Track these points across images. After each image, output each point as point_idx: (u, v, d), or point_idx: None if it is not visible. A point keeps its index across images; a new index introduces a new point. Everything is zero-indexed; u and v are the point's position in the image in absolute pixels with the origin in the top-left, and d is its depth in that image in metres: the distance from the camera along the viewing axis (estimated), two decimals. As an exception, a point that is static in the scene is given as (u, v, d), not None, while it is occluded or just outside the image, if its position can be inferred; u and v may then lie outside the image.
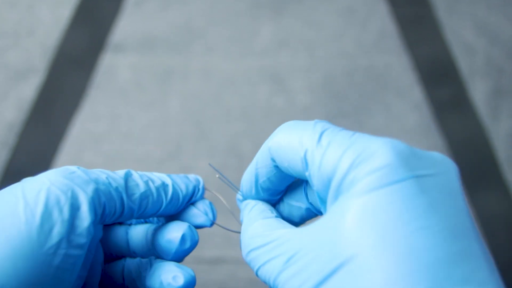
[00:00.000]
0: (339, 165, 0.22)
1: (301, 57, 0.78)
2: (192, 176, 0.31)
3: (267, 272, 0.23)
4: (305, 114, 0.73)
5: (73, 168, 0.25)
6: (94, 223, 0.25)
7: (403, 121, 0.72)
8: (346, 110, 0.73)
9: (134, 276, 0.30)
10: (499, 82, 0.75)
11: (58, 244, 0.23)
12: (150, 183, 0.28)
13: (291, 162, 0.25)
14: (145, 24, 0.78)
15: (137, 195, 0.27)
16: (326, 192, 0.23)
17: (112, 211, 0.26)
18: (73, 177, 0.25)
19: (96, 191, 0.25)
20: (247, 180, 0.29)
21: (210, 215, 0.31)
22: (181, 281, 0.27)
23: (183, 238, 0.29)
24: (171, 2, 0.80)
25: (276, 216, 0.27)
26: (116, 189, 0.26)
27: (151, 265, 0.29)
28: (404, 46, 0.78)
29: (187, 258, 0.70)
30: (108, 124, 0.71)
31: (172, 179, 0.29)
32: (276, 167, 0.27)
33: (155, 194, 0.28)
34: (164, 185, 0.29)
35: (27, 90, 0.74)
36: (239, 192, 0.31)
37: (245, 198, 0.31)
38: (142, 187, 0.27)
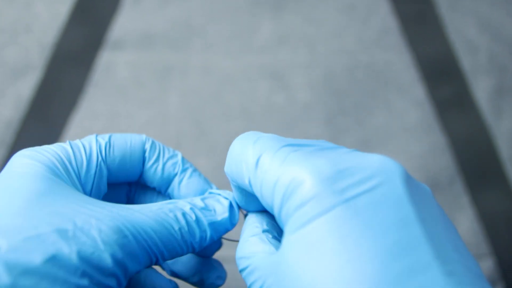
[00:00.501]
0: (273, 200, 0.22)
1: (302, 54, 0.77)
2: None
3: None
4: (306, 111, 0.72)
5: (125, 228, 0.23)
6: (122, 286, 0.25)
7: (404, 119, 0.72)
8: (347, 107, 0.72)
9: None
10: (502, 80, 0.75)
11: None
12: (188, 242, 0.27)
13: (246, 186, 0.25)
14: (144, 21, 0.78)
15: (172, 255, 0.27)
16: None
17: (143, 267, 0.26)
18: (126, 250, 0.23)
19: (138, 266, 0.24)
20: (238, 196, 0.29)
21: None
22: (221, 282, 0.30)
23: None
24: None
25: (264, 231, 0.27)
26: (155, 254, 0.25)
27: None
28: (406, 43, 0.77)
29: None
30: (107, 122, 0.71)
31: (211, 229, 0.28)
32: (239, 187, 0.27)
33: (187, 251, 0.27)
34: (201, 240, 0.28)
35: (25, 87, 0.73)
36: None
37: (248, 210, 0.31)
38: (181, 249, 0.27)
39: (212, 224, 0.28)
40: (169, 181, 0.30)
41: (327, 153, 0.21)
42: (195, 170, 0.31)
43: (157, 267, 0.33)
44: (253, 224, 0.28)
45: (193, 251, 0.28)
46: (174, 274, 0.33)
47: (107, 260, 0.22)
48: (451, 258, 0.19)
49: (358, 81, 0.74)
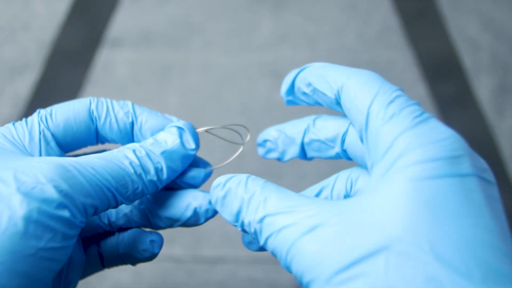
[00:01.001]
0: (397, 140, 0.21)
1: (302, 52, 0.77)
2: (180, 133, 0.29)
3: (283, 238, 0.22)
4: (306, 110, 0.72)
5: (68, 164, 0.24)
6: (83, 226, 0.24)
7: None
8: (348, 107, 0.72)
9: (127, 212, 0.29)
10: (504, 79, 0.74)
11: (41, 250, 0.22)
12: (143, 176, 0.26)
13: (353, 109, 0.24)
14: (143, 19, 0.77)
15: (130, 192, 0.26)
16: (376, 158, 0.22)
17: (104, 209, 0.25)
18: (71, 182, 0.23)
19: (89, 197, 0.24)
20: (307, 76, 0.28)
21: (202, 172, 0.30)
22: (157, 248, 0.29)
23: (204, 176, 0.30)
24: None
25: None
26: (109, 189, 0.25)
27: (161, 196, 0.29)
28: (407, 41, 0.77)
29: (185, 257, 0.69)
30: (105, 120, 0.70)
31: (165, 159, 0.27)
32: (336, 98, 0.26)
33: (148, 186, 0.27)
34: (158, 172, 0.27)
35: (23, 86, 0.73)
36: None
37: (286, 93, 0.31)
38: (135, 183, 0.26)
39: (164, 153, 0.27)
40: (127, 133, 0.29)
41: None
42: (150, 111, 0.30)
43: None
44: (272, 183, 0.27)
45: (156, 189, 0.27)
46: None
47: (50, 191, 0.22)
48: None
49: None
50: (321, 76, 0.27)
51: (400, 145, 0.21)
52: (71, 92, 0.72)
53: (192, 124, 0.30)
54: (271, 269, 0.68)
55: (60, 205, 0.23)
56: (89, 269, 0.30)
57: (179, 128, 0.29)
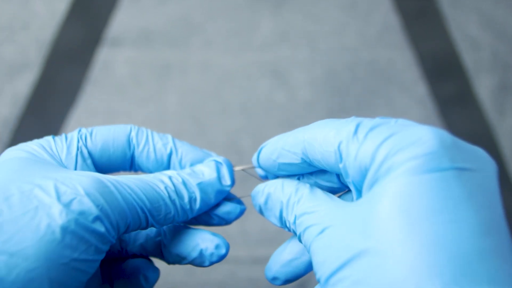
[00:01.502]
0: (377, 153, 0.22)
1: (302, 51, 0.77)
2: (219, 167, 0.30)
3: (305, 238, 0.24)
4: (306, 110, 0.72)
5: (106, 180, 0.24)
6: (114, 239, 0.25)
7: (406, 116, 0.71)
8: (349, 105, 0.72)
9: (143, 242, 0.30)
10: (505, 78, 0.74)
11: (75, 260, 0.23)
12: (177, 201, 0.27)
13: (325, 155, 0.24)
14: (143, 18, 0.77)
15: (161, 215, 0.26)
16: (361, 182, 0.23)
17: (135, 228, 0.26)
18: (108, 198, 0.24)
19: (123, 215, 0.24)
20: (266, 157, 0.28)
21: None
22: (223, 250, 0.28)
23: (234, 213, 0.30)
24: None
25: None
26: (142, 210, 0.25)
27: (173, 232, 0.29)
28: (408, 40, 0.77)
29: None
30: (105, 120, 0.70)
31: (200, 190, 0.28)
32: (303, 160, 0.26)
33: (180, 213, 0.27)
34: (191, 201, 0.28)
35: (22, 85, 0.72)
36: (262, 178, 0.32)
37: (265, 175, 0.31)
38: (168, 208, 0.27)
39: (200, 185, 0.28)
40: (163, 164, 0.30)
41: (434, 127, 0.23)
42: (189, 145, 0.31)
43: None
44: (304, 183, 0.28)
45: (187, 217, 0.28)
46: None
47: (88, 204, 0.23)
48: None
49: (360, 79, 0.74)
50: (281, 150, 0.27)
51: (380, 156, 0.21)
52: (71, 91, 0.72)
53: (230, 161, 0.31)
54: None
55: (96, 219, 0.23)
56: None
57: (217, 163, 0.30)
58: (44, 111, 0.71)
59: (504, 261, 0.19)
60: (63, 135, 0.28)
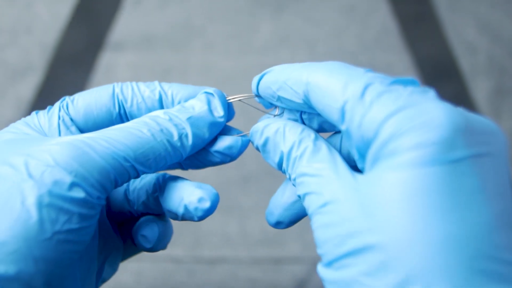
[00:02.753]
0: (382, 128, 0.20)
1: (302, 54, 0.79)
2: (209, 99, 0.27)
3: (308, 203, 0.23)
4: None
5: (80, 142, 0.23)
6: (103, 203, 0.24)
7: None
8: (347, 109, 0.74)
9: (145, 199, 0.28)
10: (501, 81, 0.76)
11: (60, 231, 0.22)
12: (165, 141, 0.25)
13: (327, 109, 0.23)
14: (144, 22, 0.79)
15: (151, 160, 0.25)
16: (364, 149, 0.21)
17: (125, 180, 0.25)
18: (82, 160, 0.23)
19: (104, 172, 0.23)
20: (267, 85, 0.27)
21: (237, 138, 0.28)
22: (207, 204, 0.26)
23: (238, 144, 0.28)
24: (170, 0, 0.80)
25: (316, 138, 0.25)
26: (126, 160, 0.24)
27: (162, 185, 0.28)
28: (406, 44, 0.78)
29: (185, 257, 0.70)
30: (107, 123, 0.72)
31: (190, 125, 0.26)
32: (304, 101, 0.25)
33: (172, 153, 0.25)
34: (182, 138, 0.26)
35: (26, 88, 0.74)
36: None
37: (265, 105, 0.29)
38: (156, 150, 0.25)
39: (190, 119, 0.26)
40: (155, 108, 0.28)
41: (447, 103, 0.21)
42: (180, 84, 0.29)
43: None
44: (308, 132, 0.25)
45: (181, 156, 0.26)
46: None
47: (60, 172, 0.22)
48: None
49: None
50: (283, 83, 0.25)
51: (386, 132, 0.20)
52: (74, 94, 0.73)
53: (223, 92, 0.29)
54: (270, 269, 0.69)
55: (73, 185, 0.22)
56: (129, 251, 0.31)
57: (208, 94, 0.27)
58: (48, 114, 0.72)
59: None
60: (47, 108, 0.27)
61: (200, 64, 0.76)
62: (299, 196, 0.24)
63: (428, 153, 0.19)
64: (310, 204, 0.22)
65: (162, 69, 0.76)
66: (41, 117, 0.27)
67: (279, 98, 0.26)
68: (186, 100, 0.28)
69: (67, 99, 0.27)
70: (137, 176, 0.25)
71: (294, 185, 0.24)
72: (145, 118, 0.25)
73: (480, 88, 0.75)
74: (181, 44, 0.77)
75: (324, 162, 0.23)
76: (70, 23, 0.78)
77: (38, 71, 0.75)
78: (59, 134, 0.26)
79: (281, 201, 0.27)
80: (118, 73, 0.75)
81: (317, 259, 0.67)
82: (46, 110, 0.27)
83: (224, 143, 0.28)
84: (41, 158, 0.22)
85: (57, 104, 0.27)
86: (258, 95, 0.28)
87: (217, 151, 0.28)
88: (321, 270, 0.22)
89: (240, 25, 0.79)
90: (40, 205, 0.22)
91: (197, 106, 0.27)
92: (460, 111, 0.20)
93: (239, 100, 0.29)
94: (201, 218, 0.26)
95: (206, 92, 0.27)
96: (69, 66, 0.76)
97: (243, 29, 0.79)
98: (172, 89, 0.28)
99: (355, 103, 0.21)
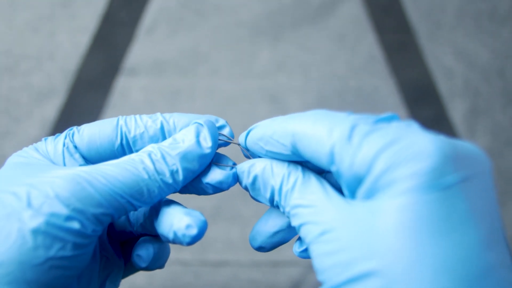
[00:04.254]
0: (375, 164, 0.20)
1: (297, 78, 0.82)
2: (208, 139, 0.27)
3: (305, 233, 0.22)
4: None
5: (79, 177, 0.24)
6: (98, 234, 0.24)
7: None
8: (338, 128, 0.78)
9: (142, 222, 0.28)
10: (475, 103, 0.81)
11: (53, 259, 0.23)
12: (158, 179, 0.25)
13: (315, 155, 0.22)
14: (156, 50, 0.84)
15: (145, 196, 0.25)
16: (355, 186, 0.21)
17: (122, 214, 0.25)
18: (80, 195, 0.23)
19: (100, 207, 0.24)
20: (254, 141, 0.26)
21: (230, 164, 0.28)
22: (194, 230, 0.25)
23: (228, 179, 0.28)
24: (179, 30, 0.86)
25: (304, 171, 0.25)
26: (122, 197, 0.24)
27: (158, 208, 0.27)
28: (390, 70, 0.83)
29: (193, 261, 0.74)
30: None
31: (180, 160, 0.26)
32: (292, 152, 0.24)
33: (165, 189, 0.26)
34: (173, 174, 0.25)
35: (49, 109, 0.79)
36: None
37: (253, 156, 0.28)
38: (151, 187, 0.25)
39: (179, 155, 0.26)
40: (158, 138, 0.28)
41: (431, 133, 0.21)
42: (180, 114, 0.29)
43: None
44: (295, 165, 0.25)
45: (175, 190, 0.26)
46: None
47: (58, 205, 0.23)
48: None
49: (348, 104, 0.81)
50: (269, 138, 0.25)
51: (378, 168, 0.20)
52: (93, 115, 0.79)
53: (218, 119, 0.29)
54: (269, 271, 0.72)
55: (69, 218, 0.23)
56: (131, 269, 0.31)
57: (198, 125, 0.27)
58: (69, 132, 0.78)
59: (509, 271, 0.19)
60: (56, 135, 0.28)
61: (206, 87, 0.81)
62: (294, 227, 0.24)
63: (422, 181, 0.19)
64: (307, 234, 0.22)
65: (171, 92, 0.81)
66: (48, 144, 0.27)
67: (267, 153, 0.26)
68: (187, 126, 0.28)
69: (75, 128, 0.28)
70: (134, 209, 0.25)
71: (288, 217, 0.24)
72: (141, 154, 0.25)
73: (457, 109, 0.80)
74: (188, 69, 0.82)
75: (316, 192, 0.23)
76: (89, 51, 0.84)
77: (61, 94, 0.81)
78: (63, 160, 0.27)
79: (264, 229, 0.27)
80: (132, 95, 0.81)
81: (310, 262, 0.69)
82: (53, 137, 0.28)
83: (215, 177, 0.27)
84: (43, 190, 0.23)
85: (64, 133, 0.28)
86: (247, 148, 0.27)
87: (208, 184, 0.27)
88: None
89: (241, 52, 0.84)
90: (36, 232, 0.22)
91: (187, 138, 0.26)
92: (444, 139, 0.20)
93: (228, 141, 0.29)
94: (190, 244, 0.25)
95: (196, 123, 0.27)
96: (88, 89, 0.81)
97: (244, 56, 0.83)
98: (174, 118, 0.28)
99: (343, 145, 0.21)
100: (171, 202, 0.27)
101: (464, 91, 0.82)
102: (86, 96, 0.81)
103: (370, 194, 0.20)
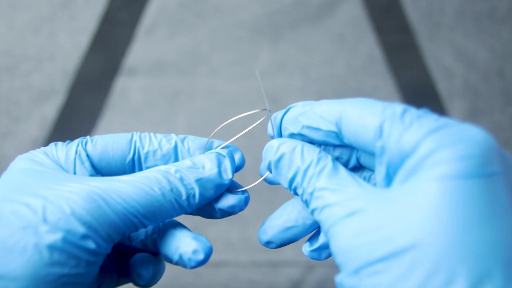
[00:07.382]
0: (422, 143, 0.20)
1: (296, 79, 0.83)
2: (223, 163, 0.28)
3: (326, 215, 0.22)
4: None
5: (95, 194, 0.24)
6: (109, 251, 0.25)
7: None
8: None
9: (143, 239, 0.29)
10: (475, 103, 0.81)
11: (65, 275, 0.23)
12: (173, 200, 0.25)
13: (361, 129, 0.23)
14: (155, 50, 0.84)
15: (157, 216, 0.25)
16: (396, 166, 0.22)
17: (132, 231, 0.25)
18: (96, 214, 0.23)
19: (114, 226, 0.24)
20: (293, 117, 0.27)
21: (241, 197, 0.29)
22: (201, 256, 0.25)
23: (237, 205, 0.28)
24: (178, 30, 0.86)
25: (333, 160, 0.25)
26: (135, 216, 0.25)
27: (163, 232, 0.28)
28: (390, 70, 0.83)
29: None
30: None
31: (199, 186, 0.26)
32: (331, 131, 0.25)
33: (178, 209, 0.26)
34: (189, 197, 0.26)
35: (49, 109, 0.80)
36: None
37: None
38: (164, 208, 0.25)
39: (199, 181, 0.26)
40: (171, 157, 0.28)
41: (481, 128, 0.22)
42: (194, 136, 0.30)
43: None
44: (326, 153, 0.25)
45: (185, 212, 0.27)
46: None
47: (74, 223, 0.23)
48: None
49: None
50: (311, 114, 0.26)
51: (426, 146, 0.20)
52: (92, 115, 0.80)
53: (234, 148, 0.30)
54: (269, 271, 0.72)
55: (85, 237, 0.23)
56: (123, 280, 0.31)
57: (219, 156, 0.28)
58: (69, 133, 0.78)
59: None
60: (67, 142, 0.28)
61: (206, 88, 0.81)
62: (311, 212, 0.24)
63: (467, 166, 0.19)
64: (329, 216, 0.22)
65: (171, 93, 0.81)
66: (59, 149, 0.28)
67: (302, 130, 0.26)
68: (199, 149, 0.29)
69: (88, 137, 0.28)
70: (144, 227, 0.25)
71: (306, 200, 0.24)
72: (157, 173, 0.26)
73: (456, 109, 0.80)
74: (188, 70, 0.82)
75: (346, 179, 0.23)
76: (89, 51, 0.84)
77: (60, 94, 0.81)
78: (74, 167, 0.27)
79: (277, 223, 0.27)
80: (132, 96, 0.81)
81: (310, 262, 0.70)
82: (65, 143, 0.28)
83: (228, 202, 0.28)
84: (58, 205, 0.23)
85: (77, 141, 0.28)
86: (279, 132, 0.28)
87: (220, 209, 0.28)
88: (343, 279, 0.21)
89: (241, 53, 0.84)
90: (52, 248, 0.22)
91: (207, 166, 0.27)
92: (491, 135, 0.21)
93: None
94: (193, 268, 0.26)
95: (217, 154, 0.28)
96: (88, 90, 0.81)
97: (244, 57, 0.84)
98: (188, 138, 0.29)
99: (395, 122, 0.21)
100: (176, 224, 0.28)
101: (463, 91, 0.81)
102: (86, 96, 0.81)
103: (410, 175, 0.21)
